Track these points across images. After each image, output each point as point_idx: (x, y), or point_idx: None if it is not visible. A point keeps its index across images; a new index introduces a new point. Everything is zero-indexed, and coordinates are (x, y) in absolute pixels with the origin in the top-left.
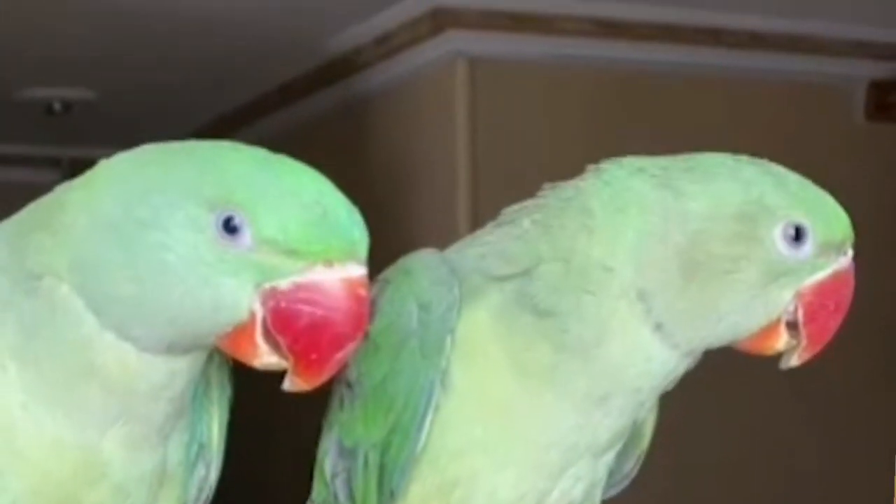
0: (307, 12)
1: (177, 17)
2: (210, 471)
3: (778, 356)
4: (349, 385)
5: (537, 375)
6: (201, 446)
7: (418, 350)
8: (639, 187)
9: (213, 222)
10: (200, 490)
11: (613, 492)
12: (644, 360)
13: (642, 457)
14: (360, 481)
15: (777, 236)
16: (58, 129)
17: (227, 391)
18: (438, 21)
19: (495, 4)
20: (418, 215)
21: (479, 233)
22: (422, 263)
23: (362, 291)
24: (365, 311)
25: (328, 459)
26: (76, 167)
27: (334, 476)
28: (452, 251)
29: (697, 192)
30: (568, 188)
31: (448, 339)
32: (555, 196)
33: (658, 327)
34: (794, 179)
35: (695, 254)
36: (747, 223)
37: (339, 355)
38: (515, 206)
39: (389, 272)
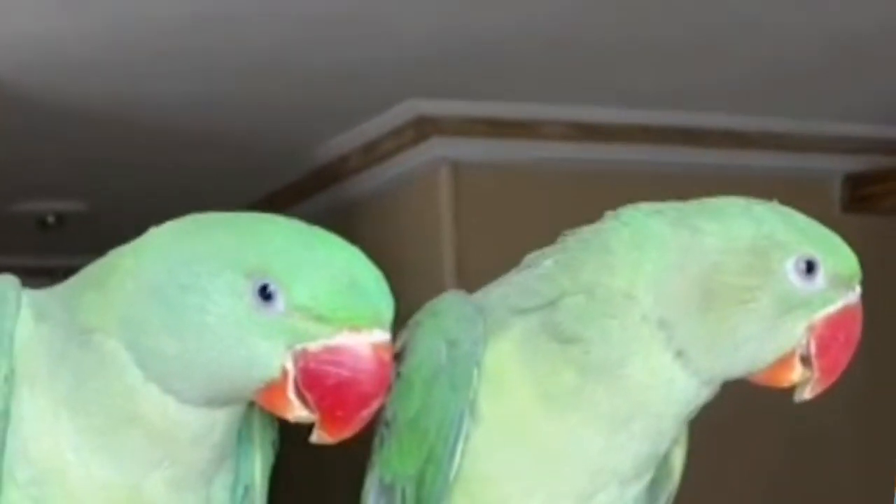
0: (295, 122)
1: (165, 129)
2: None
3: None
4: (386, 424)
5: (562, 399)
6: (247, 488)
7: (448, 384)
8: (656, 226)
9: (249, 289)
10: None
11: None
12: (666, 382)
13: (672, 496)
14: None
15: (789, 268)
16: (52, 241)
17: (270, 434)
18: (423, 128)
19: (477, 112)
20: (405, 318)
21: (501, 278)
22: (448, 303)
23: (386, 355)
24: (388, 373)
25: (370, 499)
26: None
27: None
28: (479, 294)
29: (712, 229)
30: (586, 231)
31: (475, 372)
32: (574, 239)
33: (679, 354)
34: (802, 218)
35: (711, 284)
36: (761, 256)
37: (363, 413)
38: (535, 252)
39: (419, 315)
